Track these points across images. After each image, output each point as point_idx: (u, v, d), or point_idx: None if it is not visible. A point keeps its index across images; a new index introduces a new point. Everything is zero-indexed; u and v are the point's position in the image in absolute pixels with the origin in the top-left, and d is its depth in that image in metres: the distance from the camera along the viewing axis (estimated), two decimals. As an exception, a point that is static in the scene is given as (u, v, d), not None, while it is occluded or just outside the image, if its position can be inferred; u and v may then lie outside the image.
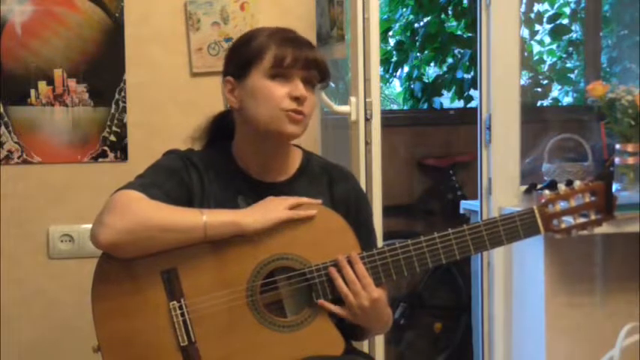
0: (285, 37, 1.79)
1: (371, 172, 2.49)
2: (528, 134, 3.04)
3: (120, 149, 2.49)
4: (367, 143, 2.49)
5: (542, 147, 3.07)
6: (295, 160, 1.88)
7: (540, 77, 4.96)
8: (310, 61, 1.77)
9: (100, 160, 2.48)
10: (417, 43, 4.90)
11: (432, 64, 5.04)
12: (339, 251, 1.74)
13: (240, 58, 1.80)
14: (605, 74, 4.67)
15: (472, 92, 4.76)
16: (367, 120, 2.48)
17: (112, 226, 1.65)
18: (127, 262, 1.70)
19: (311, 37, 2.41)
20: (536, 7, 4.88)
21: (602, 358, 2.58)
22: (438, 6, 4.87)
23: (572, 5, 5.04)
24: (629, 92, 2.82)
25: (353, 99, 2.47)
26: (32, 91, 2.44)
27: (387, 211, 2.62)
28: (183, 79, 2.52)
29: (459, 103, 4.87)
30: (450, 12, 4.90)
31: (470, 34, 4.81)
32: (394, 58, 5.03)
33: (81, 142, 2.48)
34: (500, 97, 2.93)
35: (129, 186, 1.74)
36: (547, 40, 4.99)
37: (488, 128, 2.93)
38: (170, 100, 2.51)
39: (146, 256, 1.70)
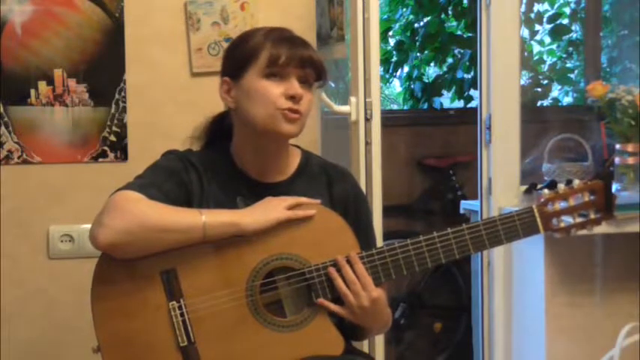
0: (281, 36, 1.79)
1: (371, 172, 2.49)
2: (528, 134, 3.04)
3: (120, 149, 2.49)
4: (367, 143, 2.49)
5: (542, 147, 3.07)
6: (294, 160, 1.88)
7: (540, 77, 4.96)
8: (305, 59, 1.77)
9: (100, 160, 2.48)
10: (417, 43, 4.91)
11: (432, 64, 5.04)
12: (338, 251, 1.74)
13: (236, 59, 1.80)
14: (605, 74, 4.67)
15: (472, 92, 4.76)
16: (367, 120, 2.48)
17: (111, 227, 1.65)
18: (127, 262, 1.70)
19: (311, 37, 2.42)
20: (536, 7, 4.88)
21: (602, 358, 2.58)
22: (438, 6, 4.87)
23: (572, 5, 5.04)
24: (629, 92, 2.82)
25: (353, 99, 2.47)
26: (32, 91, 2.44)
27: (387, 211, 2.62)
28: (183, 79, 2.52)
29: (459, 103, 4.87)
30: (450, 12, 4.90)
31: (470, 34, 4.81)
32: (394, 58, 5.03)
33: (81, 142, 2.47)
34: (500, 97, 2.93)
35: (128, 187, 1.74)
36: (547, 40, 4.99)
37: (488, 128, 2.93)
38: (170, 100, 2.51)
39: (145, 257, 1.70)
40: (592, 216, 1.82)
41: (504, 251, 2.92)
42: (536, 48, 5.02)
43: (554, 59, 5.04)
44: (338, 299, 1.74)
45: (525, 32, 4.79)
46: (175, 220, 1.69)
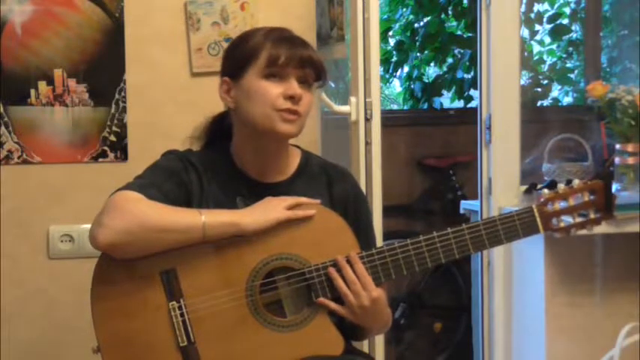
0: (280, 36, 1.79)
1: (371, 172, 2.49)
2: (528, 134, 3.04)
3: (120, 149, 2.49)
4: (367, 143, 2.49)
5: (542, 147, 3.07)
6: (294, 160, 1.88)
7: (540, 77, 4.96)
8: (305, 59, 1.77)
9: (100, 160, 2.48)
10: (417, 43, 4.91)
11: (432, 64, 5.04)
12: (338, 251, 1.74)
13: (236, 59, 1.80)
14: (605, 74, 4.67)
15: (472, 92, 4.76)
16: (367, 120, 2.48)
17: (110, 227, 1.65)
18: (126, 262, 1.70)
19: (311, 37, 2.42)
20: (536, 7, 4.88)
21: (602, 358, 2.58)
22: (438, 6, 4.87)
23: (572, 5, 5.04)
24: (629, 92, 2.82)
25: (353, 99, 2.47)
26: (32, 91, 2.44)
27: (387, 211, 2.62)
28: (183, 79, 2.52)
29: (459, 103, 4.87)
30: (450, 12, 4.90)
31: (470, 34, 4.81)
32: (394, 58, 5.03)
33: (81, 142, 2.47)
34: (500, 97, 2.93)
35: (127, 187, 1.74)
36: (547, 40, 4.99)
37: (488, 128, 2.94)
38: (170, 100, 2.51)
39: (145, 257, 1.70)
40: (592, 216, 1.82)
41: (504, 251, 2.92)
42: (536, 48, 5.02)
43: (554, 59, 5.04)
44: (338, 299, 1.74)
45: (525, 32, 4.79)
46: (175, 220, 1.69)
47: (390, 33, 5.15)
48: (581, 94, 4.72)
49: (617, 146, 2.85)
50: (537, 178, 3.01)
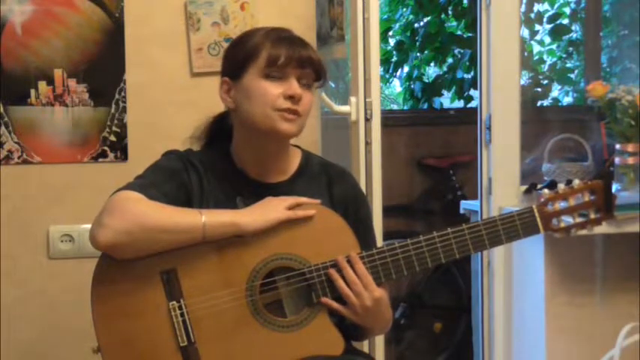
0: (280, 36, 1.79)
1: (371, 172, 2.49)
2: (528, 134, 3.04)
3: (120, 149, 2.49)
4: (367, 143, 2.49)
5: (542, 147, 3.07)
6: (294, 161, 1.88)
7: (540, 77, 4.96)
8: (305, 59, 1.77)
9: (100, 160, 2.48)
10: (417, 43, 4.91)
11: (432, 64, 5.05)
12: (338, 251, 1.74)
13: (236, 59, 1.80)
14: (605, 74, 4.67)
15: (472, 92, 4.76)
16: (367, 120, 2.48)
17: (110, 227, 1.65)
18: (127, 262, 1.70)
19: (311, 37, 2.42)
20: (536, 7, 4.88)
21: (602, 358, 2.58)
22: (438, 6, 4.87)
23: (572, 5, 5.04)
24: (629, 92, 2.82)
25: (353, 99, 2.47)
26: (32, 91, 2.44)
27: (387, 211, 2.62)
28: (183, 79, 2.51)
29: (459, 103, 4.87)
30: (450, 12, 4.90)
31: (470, 34, 4.82)
32: (394, 58, 5.03)
33: (81, 142, 2.47)
34: (500, 97, 2.93)
35: (128, 187, 1.74)
36: (547, 40, 5.00)
37: (488, 128, 2.94)
38: (170, 100, 2.51)
39: (145, 257, 1.70)
40: (592, 216, 1.82)
41: (504, 251, 2.92)
42: (536, 48, 5.02)
43: (554, 59, 5.04)
44: (338, 299, 1.74)
45: (525, 32, 4.79)
46: (175, 220, 1.69)
47: (390, 33, 5.15)
48: (581, 94, 4.72)
49: (617, 146, 2.85)
50: (537, 178, 3.01)
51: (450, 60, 4.94)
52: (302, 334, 1.72)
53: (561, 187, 1.81)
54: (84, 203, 2.43)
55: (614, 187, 2.53)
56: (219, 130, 1.90)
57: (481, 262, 2.99)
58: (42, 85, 2.44)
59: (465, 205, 3.44)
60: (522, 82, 3.80)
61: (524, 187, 2.93)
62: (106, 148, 2.48)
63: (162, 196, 1.73)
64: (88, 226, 1.70)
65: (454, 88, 4.85)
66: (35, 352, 2.47)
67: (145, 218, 1.67)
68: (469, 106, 4.78)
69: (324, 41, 2.60)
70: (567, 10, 5.03)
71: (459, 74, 4.83)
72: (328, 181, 1.88)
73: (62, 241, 2.47)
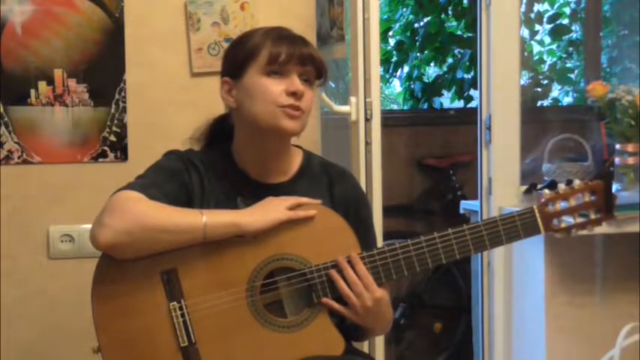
0: (280, 34, 1.79)
1: (371, 172, 2.49)
2: (528, 134, 3.04)
3: (120, 149, 2.49)
4: (367, 143, 2.49)
5: (542, 147, 3.07)
6: (295, 161, 1.88)
7: (540, 77, 4.96)
8: (306, 56, 1.77)
9: (100, 160, 2.48)
10: (417, 43, 4.91)
11: (432, 64, 5.05)
12: (339, 251, 1.74)
13: (236, 58, 1.80)
14: (605, 74, 4.67)
15: (472, 92, 4.76)
16: (367, 120, 2.48)
17: (111, 227, 1.65)
18: (127, 263, 1.70)
19: (311, 37, 2.41)
20: (536, 7, 4.88)
21: (602, 358, 2.58)
22: (438, 6, 4.87)
23: (572, 5, 5.04)
24: (629, 92, 2.82)
25: (353, 99, 2.47)
26: (32, 91, 2.44)
27: (387, 211, 2.62)
28: (183, 79, 2.51)
29: (459, 103, 4.87)
30: (450, 12, 4.90)
31: (470, 34, 4.82)
32: (394, 58, 5.03)
33: (81, 142, 2.47)
34: (500, 97, 2.93)
35: (129, 187, 1.74)
36: (547, 40, 5.00)
37: (488, 128, 2.94)
38: (170, 100, 2.51)
39: (146, 257, 1.70)
40: (592, 216, 1.82)
41: (504, 251, 2.92)
42: (536, 48, 5.02)
43: (554, 59, 5.04)
44: (339, 299, 1.74)
45: (525, 32, 4.80)
46: (176, 220, 1.69)
47: (390, 33, 5.15)
48: (581, 94, 4.72)
49: (617, 146, 2.85)
50: (537, 178, 3.01)
51: (450, 60, 4.94)
52: (302, 335, 1.72)
53: (562, 187, 1.81)
54: (84, 203, 2.43)
55: (614, 187, 2.53)
56: (219, 132, 1.90)
57: (481, 263, 2.99)
58: (42, 85, 2.44)
59: (465, 205, 3.44)
60: (522, 82, 3.81)
61: (524, 187, 2.93)
62: (106, 148, 2.48)
63: (163, 196, 1.72)
64: (88, 226, 1.70)
65: (454, 88, 4.85)
66: (35, 352, 2.47)
67: (145, 218, 1.66)
68: (469, 106, 4.78)
69: (324, 41, 2.60)
70: (567, 10, 5.03)
71: (459, 74, 4.83)
72: (329, 182, 1.87)
73: (62, 241, 2.47)
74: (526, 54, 4.81)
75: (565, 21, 4.96)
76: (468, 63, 4.74)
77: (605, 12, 4.85)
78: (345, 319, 1.77)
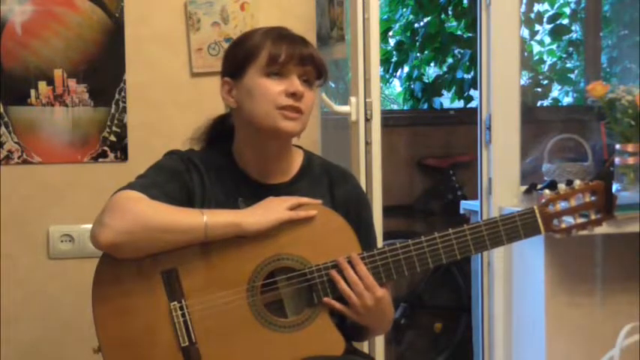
0: (280, 34, 1.79)
1: (371, 172, 2.49)
2: (528, 134, 3.04)
3: (120, 149, 2.49)
4: (367, 143, 2.49)
5: (542, 147, 3.07)
6: (296, 161, 1.87)
7: (540, 77, 4.97)
8: (306, 57, 1.77)
9: (100, 160, 2.48)
10: (417, 43, 4.91)
11: (432, 64, 5.05)
12: (339, 251, 1.74)
13: (236, 58, 1.80)
14: (605, 74, 4.68)
15: (472, 92, 4.76)
16: (367, 120, 2.48)
17: (111, 227, 1.65)
18: (127, 262, 1.70)
19: (311, 37, 2.41)
20: (536, 7, 4.88)
21: (602, 358, 2.58)
22: (438, 6, 4.87)
23: (572, 5, 5.04)
24: (629, 92, 2.82)
25: (353, 99, 2.47)
26: (32, 91, 2.44)
27: (387, 211, 2.62)
28: (184, 79, 2.51)
29: (459, 103, 4.87)
30: (450, 12, 4.90)
31: (470, 34, 4.82)
32: (394, 58, 5.03)
33: (81, 142, 2.47)
34: (500, 97, 2.93)
35: (129, 186, 1.74)
36: (547, 40, 5.00)
37: (488, 128, 2.94)
38: (170, 100, 2.51)
39: (146, 257, 1.70)
40: (593, 216, 1.82)
41: (504, 251, 2.92)
42: (536, 48, 5.02)
43: (554, 59, 5.04)
44: (339, 299, 1.74)
45: (525, 32, 4.80)
46: (176, 220, 1.68)
47: (390, 33, 5.15)
48: (581, 94, 4.72)
49: (617, 146, 2.85)
50: (537, 178, 3.01)
51: (450, 60, 4.93)
52: (303, 335, 1.72)
53: (562, 187, 1.81)
54: (84, 203, 2.43)
55: (615, 187, 2.53)
56: (219, 132, 1.90)
57: (481, 262, 2.99)
58: (42, 85, 2.44)
59: (465, 205, 3.44)
60: (522, 82, 3.81)
61: (524, 187, 2.93)
62: (106, 148, 2.48)
63: (164, 196, 1.72)
64: (88, 226, 1.70)
65: (454, 88, 4.85)
66: (35, 352, 2.47)
67: (146, 218, 1.66)
68: (469, 106, 4.78)
69: (324, 41, 2.60)
70: (567, 10, 5.03)
71: (459, 74, 4.83)
72: (330, 182, 1.87)
73: (62, 241, 2.47)
74: (526, 54, 4.81)
75: (565, 21, 4.96)
76: (468, 63, 4.74)
77: (605, 12, 4.86)
78: (345, 319, 1.77)
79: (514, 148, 2.95)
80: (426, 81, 5.02)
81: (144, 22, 2.49)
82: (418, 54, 4.95)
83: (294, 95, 1.74)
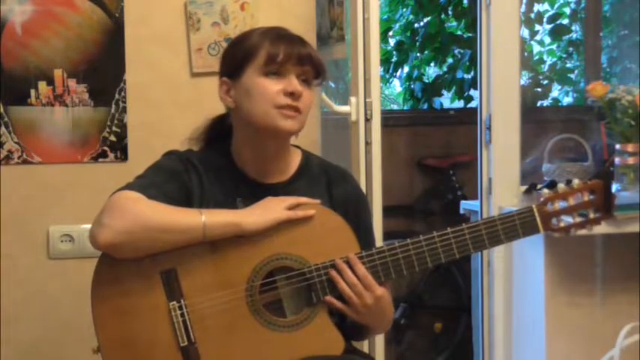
0: (278, 34, 1.79)
1: (371, 172, 2.49)
2: (528, 134, 3.04)
3: (120, 149, 2.49)
4: (367, 143, 2.49)
5: (542, 147, 3.08)
6: (294, 161, 1.88)
7: (540, 77, 4.96)
8: (304, 56, 1.77)
9: (100, 160, 2.48)
10: (417, 43, 4.91)
11: (432, 64, 5.05)
12: (338, 250, 1.74)
13: (235, 58, 1.80)
14: (605, 74, 4.68)
15: (472, 92, 4.76)
16: (367, 120, 2.48)
17: (110, 227, 1.65)
18: (127, 262, 1.70)
19: (311, 37, 2.42)
20: (536, 7, 4.88)
21: (602, 358, 2.58)
22: (438, 6, 4.87)
23: (572, 5, 5.04)
24: (629, 92, 2.82)
25: (353, 99, 2.47)
26: (32, 91, 2.44)
27: (387, 211, 2.62)
28: (184, 79, 2.52)
29: (459, 103, 4.87)
30: (450, 12, 4.90)
31: (470, 34, 4.82)
32: (394, 58, 5.03)
33: (81, 142, 2.47)
34: (500, 97, 2.93)
35: (128, 187, 1.74)
36: (547, 40, 5.00)
37: (488, 128, 2.94)
38: (170, 100, 2.51)
39: (145, 257, 1.70)
40: (591, 215, 1.82)
41: (504, 251, 2.92)
42: (536, 48, 5.02)
43: (554, 59, 5.04)
44: (339, 297, 1.74)
45: (525, 32, 4.80)
46: (175, 220, 1.69)
47: (390, 33, 5.15)
48: (581, 94, 4.72)
49: (617, 146, 2.85)
50: (537, 178, 3.01)
51: (450, 60, 4.94)
52: (302, 334, 1.72)
53: (561, 186, 1.81)
54: (84, 203, 2.43)
55: (614, 187, 2.53)
56: (218, 132, 1.90)
57: (481, 262, 2.99)
58: (42, 85, 2.44)
59: (465, 205, 3.44)
60: (522, 82, 3.81)
61: (524, 187, 2.93)
62: (106, 148, 2.49)
63: (163, 196, 1.72)
64: (88, 226, 1.70)
65: (454, 88, 4.85)
66: (35, 352, 2.47)
67: (144, 218, 1.67)
68: (469, 106, 4.78)
69: (324, 41, 2.60)
70: (567, 10, 5.03)
71: (459, 74, 4.83)
72: (328, 182, 1.87)
73: (62, 241, 2.47)
74: (526, 54, 4.81)
75: (565, 21, 4.96)
76: (468, 63, 4.74)
77: (605, 12, 4.86)
78: (344, 318, 1.77)
79: (514, 148, 2.95)
80: (426, 81, 5.02)
81: (144, 22, 2.49)
82: (418, 54, 4.95)
83: (292, 94, 1.74)
